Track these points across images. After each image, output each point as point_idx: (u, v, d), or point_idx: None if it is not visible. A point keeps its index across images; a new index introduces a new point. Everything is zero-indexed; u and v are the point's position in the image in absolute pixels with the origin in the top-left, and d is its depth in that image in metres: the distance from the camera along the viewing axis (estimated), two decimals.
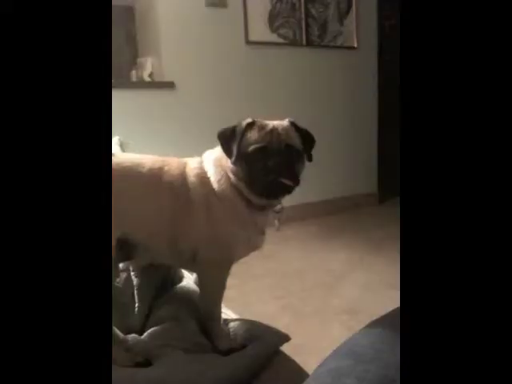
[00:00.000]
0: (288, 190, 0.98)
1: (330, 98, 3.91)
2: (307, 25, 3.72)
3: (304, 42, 3.72)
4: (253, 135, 0.97)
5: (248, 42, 3.44)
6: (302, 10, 3.67)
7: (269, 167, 0.94)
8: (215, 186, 0.98)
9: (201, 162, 1.02)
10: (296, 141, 1.00)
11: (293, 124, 1.02)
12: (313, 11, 3.74)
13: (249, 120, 0.99)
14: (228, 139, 0.98)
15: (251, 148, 0.95)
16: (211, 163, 1.01)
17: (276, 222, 1.11)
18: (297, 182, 0.98)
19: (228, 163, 0.98)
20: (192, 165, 1.02)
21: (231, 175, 0.98)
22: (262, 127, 0.98)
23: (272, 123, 1.00)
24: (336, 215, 3.81)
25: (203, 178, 1.00)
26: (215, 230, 0.98)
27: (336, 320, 1.92)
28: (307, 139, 1.03)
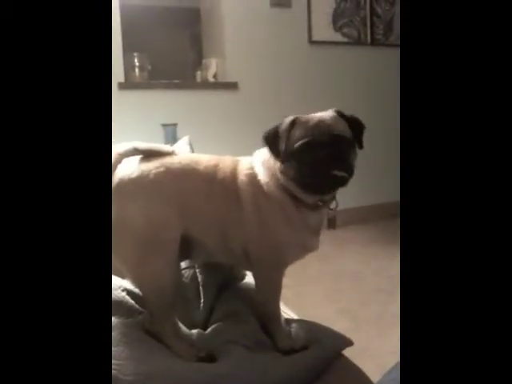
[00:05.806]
0: (341, 182, 0.94)
1: (395, 98, 3.79)
2: (372, 23, 3.64)
3: (369, 40, 3.64)
4: (298, 131, 0.93)
5: (311, 42, 3.42)
6: (368, 8, 3.60)
7: (318, 161, 0.91)
8: (264, 186, 0.97)
9: (252, 162, 1.02)
10: (344, 129, 0.95)
11: (338, 113, 0.98)
12: (378, 9, 3.66)
13: (291, 117, 0.96)
14: (273, 140, 0.96)
15: (298, 144, 0.92)
16: (260, 164, 1.00)
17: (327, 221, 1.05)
18: (350, 172, 0.94)
19: (277, 164, 0.97)
20: (243, 164, 1.02)
21: (281, 176, 0.96)
22: (307, 121, 0.94)
23: (316, 115, 0.97)
24: (394, 219, 3.69)
25: (253, 178, 0.99)
26: (264, 230, 0.97)
27: (396, 326, 1.86)
28: (355, 126, 0.98)
